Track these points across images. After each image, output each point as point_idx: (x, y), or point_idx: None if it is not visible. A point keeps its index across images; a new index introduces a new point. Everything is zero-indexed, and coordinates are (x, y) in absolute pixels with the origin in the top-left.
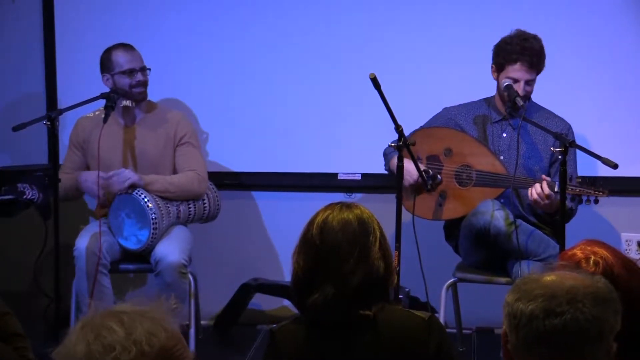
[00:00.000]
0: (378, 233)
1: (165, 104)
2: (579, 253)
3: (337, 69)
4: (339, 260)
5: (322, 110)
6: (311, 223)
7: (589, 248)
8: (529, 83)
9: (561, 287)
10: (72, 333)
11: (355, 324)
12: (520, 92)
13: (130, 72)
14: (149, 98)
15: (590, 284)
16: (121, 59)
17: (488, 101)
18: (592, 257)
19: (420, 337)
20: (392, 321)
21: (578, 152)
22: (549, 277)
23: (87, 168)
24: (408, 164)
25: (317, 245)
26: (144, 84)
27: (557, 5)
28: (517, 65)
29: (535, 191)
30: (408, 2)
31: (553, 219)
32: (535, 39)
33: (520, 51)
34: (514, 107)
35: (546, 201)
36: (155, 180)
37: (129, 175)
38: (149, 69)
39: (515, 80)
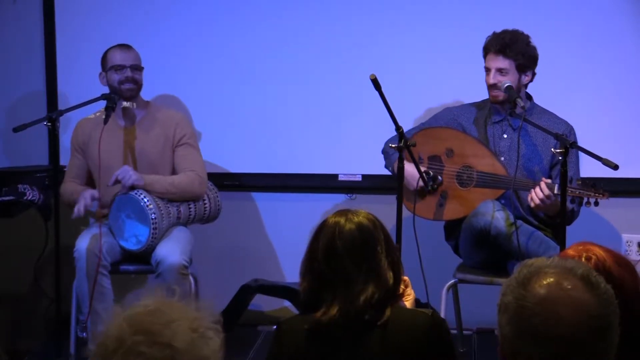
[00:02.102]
0: (383, 240)
1: (166, 104)
2: (571, 252)
3: (338, 69)
4: (347, 282)
5: (322, 111)
6: (315, 245)
7: (580, 247)
8: (502, 72)
9: (562, 326)
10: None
11: (363, 325)
12: (490, 79)
13: (119, 68)
14: (148, 98)
15: (593, 312)
16: (114, 56)
17: (489, 102)
18: (585, 254)
19: (426, 333)
20: (399, 320)
21: (579, 152)
22: (545, 305)
23: (89, 172)
24: (410, 168)
25: (323, 271)
26: (133, 80)
27: (557, 5)
28: (488, 55)
29: (535, 195)
30: (409, 3)
31: (555, 221)
32: (513, 32)
33: (491, 40)
34: (514, 108)
35: (547, 201)
36: (156, 180)
37: (131, 174)
38: (143, 68)
39: (488, 70)
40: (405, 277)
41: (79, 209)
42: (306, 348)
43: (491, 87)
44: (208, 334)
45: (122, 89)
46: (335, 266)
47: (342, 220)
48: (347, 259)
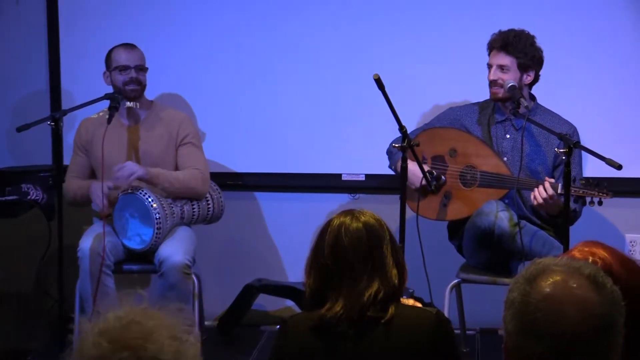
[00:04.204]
0: (389, 239)
1: (170, 104)
2: (577, 254)
3: (341, 69)
4: (352, 278)
5: (326, 111)
6: (321, 242)
7: (586, 249)
8: (503, 69)
9: (565, 323)
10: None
11: (367, 323)
12: (491, 76)
13: (124, 68)
14: (152, 98)
15: (597, 310)
16: (119, 56)
17: (492, 102)
18: (591, 258)
19: (428, 331)
20: (403, 318)
21: (582, 153)
22: (549, 301)
23: (92, 170)
24: (413, 167)
25: (328, 267)
26: (137, 81)
27: (561, 7)
28: (492, 52)
29: (538, 194)
30: (411, 3)
31: (556, 221)
32: (519, 31)
33: (496, 37)
34: (517, 107)
35: (550, 201)
36: (160, 173)
37: (134, 169)
38: (147, 69)
39: (490, 67)
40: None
41: (102, 204)
42: (311, 345)
43: (491, 83)
44: (188, 339)
45: (127, 89)
46: (341, 262)
47: (348, 218)
48: (353, 255)
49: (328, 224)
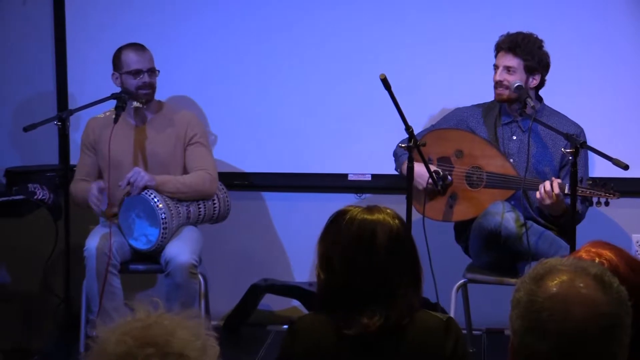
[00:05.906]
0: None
1: (177, 104)
2: (584, 255)
3: (348, 69)
4: (391, 288)
5: (332, 111)
6: (347, 241)
7: (593, 250)
8: (509, 70)
9: (571, 322)
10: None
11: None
12: (497, 77)
13: (137, 73)
14: (160, 98)
15: (603, 310)
16: (130, 59)
17: (498, 103)
18: (597, 259)
19: (439, 338)
20: (413, 324)
21: (589, 154)
22: (555, 300)
23: (100, 170)
24: (419, 168)
25: (361, 271)
26: (150, 85)
27: (567, 9)
28: (499, 53)
29: (543, 188)
30: (418, 4)
31: (559, 221)
32: (527, 34)
33: (504, 39)
34: (524, 108)
35: (553, 199)
36: (168, 180)
37: (143, 175)
38: (158, 71)
39: (496, 68)
40: None
41: (96, 206)
42: (320, 348)
43: (497, 84)
44: (209, 342)
45: (140, 93)
46: (381, 268)
47: (389, 218)
48: (395, 262)
49: (366, 223)
